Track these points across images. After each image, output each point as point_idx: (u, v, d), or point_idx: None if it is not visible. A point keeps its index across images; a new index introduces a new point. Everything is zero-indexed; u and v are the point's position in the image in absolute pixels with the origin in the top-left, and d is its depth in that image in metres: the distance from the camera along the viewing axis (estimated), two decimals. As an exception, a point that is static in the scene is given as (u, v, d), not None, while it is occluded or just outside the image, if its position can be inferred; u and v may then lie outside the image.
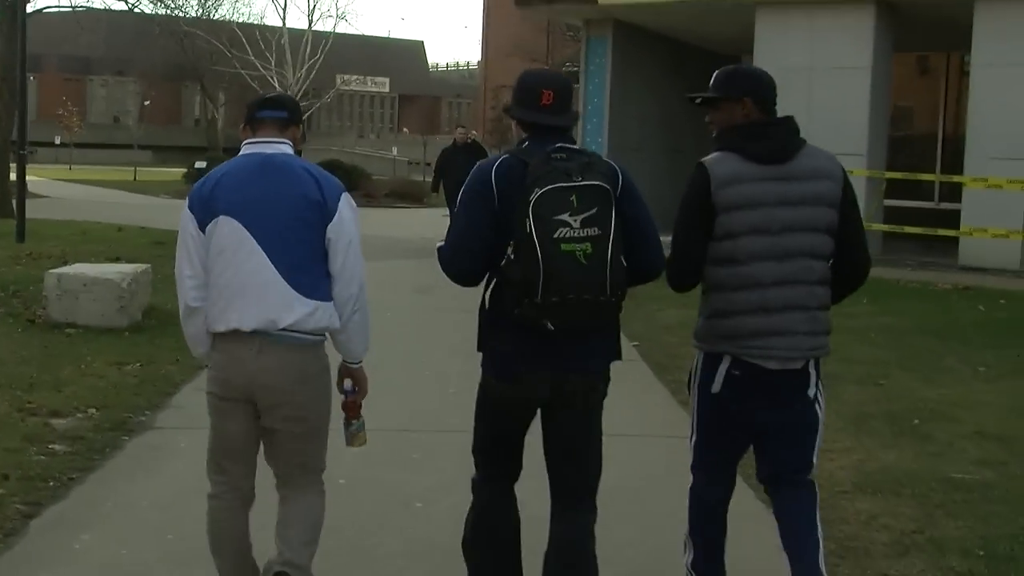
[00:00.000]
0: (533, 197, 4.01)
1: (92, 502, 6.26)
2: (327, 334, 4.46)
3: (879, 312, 14.00)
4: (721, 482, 4.66)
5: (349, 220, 4.38)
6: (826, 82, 20.21)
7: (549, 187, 4.01)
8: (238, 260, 4.29)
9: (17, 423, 7.65)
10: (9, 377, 9.02)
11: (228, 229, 4.29)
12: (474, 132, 21.05)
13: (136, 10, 40.97)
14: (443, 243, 4.32)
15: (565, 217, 3.99)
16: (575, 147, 4.26)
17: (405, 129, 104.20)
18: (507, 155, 4.32)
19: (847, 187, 4.43)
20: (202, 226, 4.34)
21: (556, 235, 3.98)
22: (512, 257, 4.07)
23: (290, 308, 4.28)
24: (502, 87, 63.79)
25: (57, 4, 38.48)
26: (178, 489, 6.45)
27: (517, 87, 4.40)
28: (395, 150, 74.82)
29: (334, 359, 4.60)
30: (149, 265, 12.81)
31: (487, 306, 4.33)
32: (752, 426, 4.49)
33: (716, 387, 4.44)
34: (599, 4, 23.03)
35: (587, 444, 4.42)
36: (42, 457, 6.90)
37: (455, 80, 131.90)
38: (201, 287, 4.38)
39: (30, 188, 38.51)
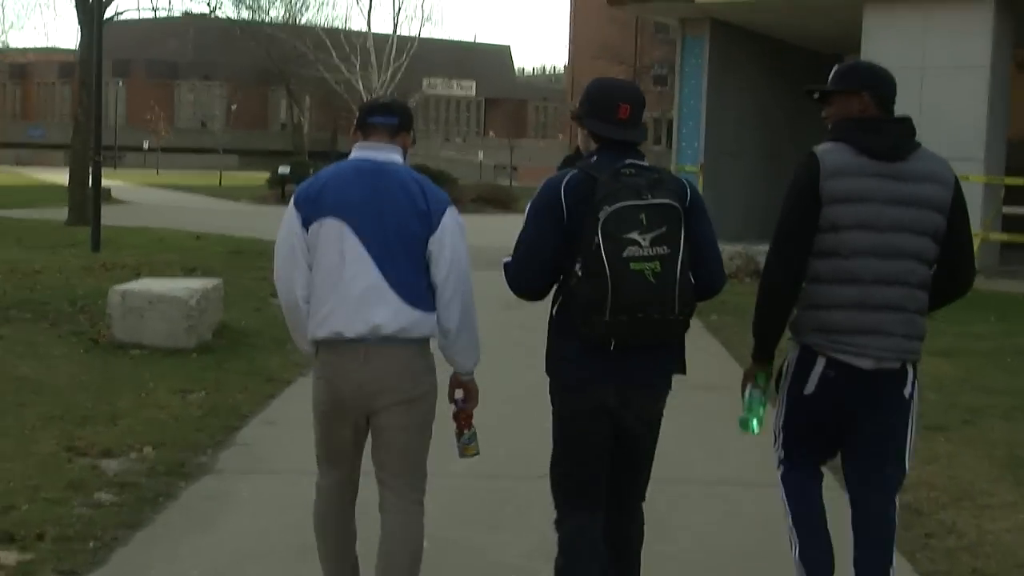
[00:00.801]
0: (602, 215, 3.96)
1: (135, 570, 5.38)
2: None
3: (1010, 332, 12.85)
4: (815, 470, 4.57)
5: (452, 234, 4.35)
6: (940, 82, 18.98)
7: (619, 205, 3.97)
8: (345, 263, 4.25)
9: (63, 464, 6.82)
10: (64, 407, 8.23)
11: (335, 231, 4.26)
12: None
13: (218, 14, 40.34)
14: (509, 258, 4.28)
15: (634, 235, 3.95)
16: (644, 163, 4.17)
17: (491, 133, 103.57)
18: (576, 170, 4.20)
19: (958, 194, 4.31)
20: (306, 224, 4.30)
21: (625, 254, 3.94)
22: (580, 274, 4.02)
23: (395, 315, 4.25)
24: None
25: (137, 7, 37.88)
26: (234, 552, 5.59)
27: (591, 97, 4.30)
28: (481, 154, 74.21)
29: (445, 370, 4.52)
30: (220, 280, 11.97)
31: (555, 320, 4.26)
32: (845, 427, 4.38)
33: (810, 388, 4.34)
34: (696, 2, 21.97)
35: (647, 457, 4.44)
36: (85, 510, 6.04)
37: (541, 84, 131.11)
38: (305, 286, 4.34)
39: (115, 194, 38.38)
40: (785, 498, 4.52)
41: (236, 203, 40.12)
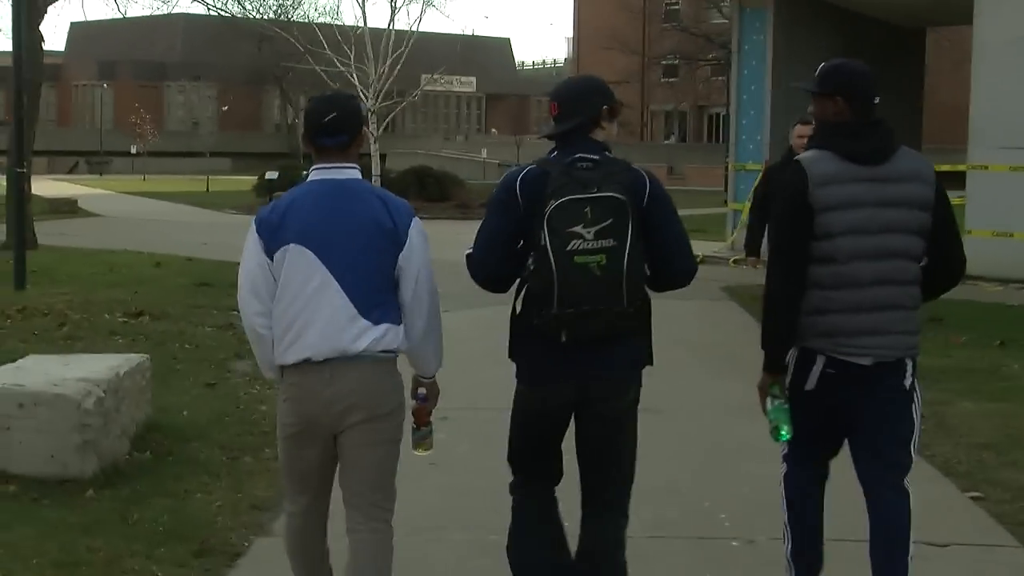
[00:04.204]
0: (548, 209, 4.08)
1: None
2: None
3: None
4: (816, 472, 4.67)
5: (419, 248, 4.34)
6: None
7: (564, 199, 4.07)
8: (309, 289, 4.24)
9: None
10: None
11: (299, 258, 4.25)
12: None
13: (208, 11, 36.38)
14: (471, 249, 4.36)
15: (579, 229, 4.04)
16: (598, 157, 4.21)
17: (494, 130, 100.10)
18: (534, 164, 4.34)
19: (940, 189, 4.44)
20: (270, 253, 4.29)
21: (569, 247, 4.04)
22: (532, 268, 4.14)
23: (360, 336, 4.24)
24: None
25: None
26: None
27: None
28: (485, 152, 70.90)
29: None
30: (146, 356, 7.91)
31: (517, 313, 4.32)
32: (847, 420, 4.49)
33: (810, 384, 4.45)
34: (760, -36, 18.15)
35: (614, 452, 4.40)
36: None
37: (543, 78, 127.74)
38: (267, 314, 4.32)
39: (83, 204, 34.56)
40: (785, 496, 4.69)
41: (219, 213, 36.07)
